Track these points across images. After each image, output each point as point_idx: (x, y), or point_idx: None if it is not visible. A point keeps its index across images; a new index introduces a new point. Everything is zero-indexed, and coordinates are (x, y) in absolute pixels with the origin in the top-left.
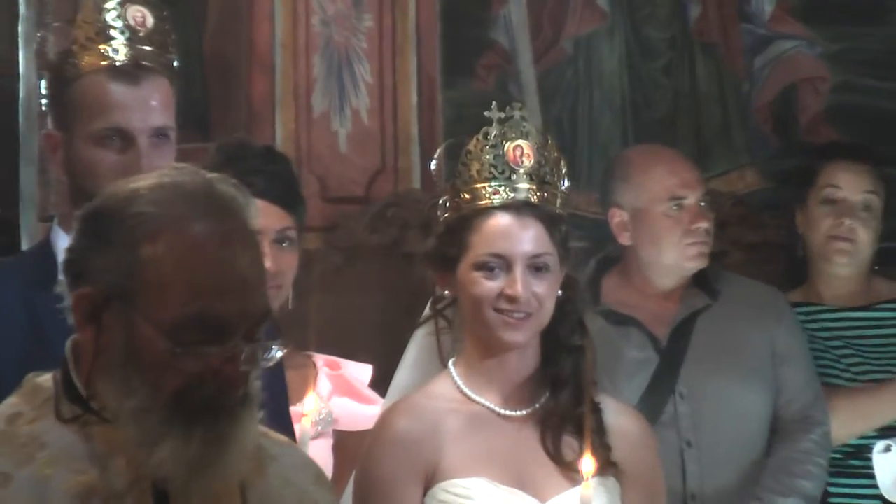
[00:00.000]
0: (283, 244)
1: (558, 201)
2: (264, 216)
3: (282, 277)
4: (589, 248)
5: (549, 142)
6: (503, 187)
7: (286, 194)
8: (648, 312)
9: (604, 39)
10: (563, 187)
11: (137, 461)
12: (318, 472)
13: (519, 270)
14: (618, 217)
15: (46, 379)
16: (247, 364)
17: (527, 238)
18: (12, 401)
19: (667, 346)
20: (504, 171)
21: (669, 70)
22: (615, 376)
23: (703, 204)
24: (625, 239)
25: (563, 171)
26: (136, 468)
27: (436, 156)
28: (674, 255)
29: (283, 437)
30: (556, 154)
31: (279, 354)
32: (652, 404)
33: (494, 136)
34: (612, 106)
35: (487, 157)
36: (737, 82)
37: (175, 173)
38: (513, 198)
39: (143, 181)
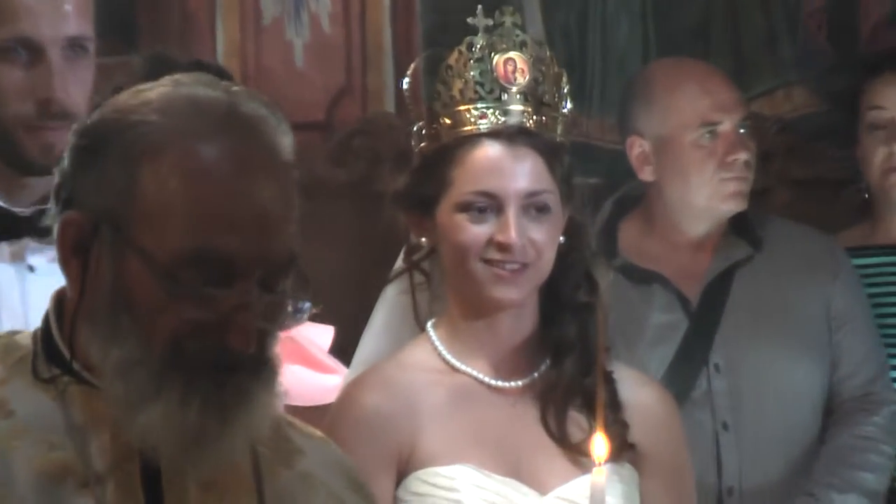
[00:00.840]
0: None
1: (559, 127)
2: None
3: None
4: (603, 185)
5: (549, 54)
6: (492, 110)
7: None
8: (676, 266)
9: None
10: (564, 110)
11: (125, 436)
12: (353, 474)
13: (512, 212)
14: (638, 147)
15: (25, 335)
16: (264, 319)
17: (521, 172)
18: None
19: (698, 308)
20: (493, 90)
21: None
22: (635, 344)
23: (742, 131)
24: (646, 174)
25: (566, 90)
26: (123, 446)
27: (409, 72)
28: (706, 193)
29: (313, 430)
30: (556, 69)
31: (307, 313)
32: (680, 378)
33: (480, 48)
34: (630, 11)
35: (472, 73)
36: None
37: (191, 81)
38: (504, 122)
39: (153, 88)
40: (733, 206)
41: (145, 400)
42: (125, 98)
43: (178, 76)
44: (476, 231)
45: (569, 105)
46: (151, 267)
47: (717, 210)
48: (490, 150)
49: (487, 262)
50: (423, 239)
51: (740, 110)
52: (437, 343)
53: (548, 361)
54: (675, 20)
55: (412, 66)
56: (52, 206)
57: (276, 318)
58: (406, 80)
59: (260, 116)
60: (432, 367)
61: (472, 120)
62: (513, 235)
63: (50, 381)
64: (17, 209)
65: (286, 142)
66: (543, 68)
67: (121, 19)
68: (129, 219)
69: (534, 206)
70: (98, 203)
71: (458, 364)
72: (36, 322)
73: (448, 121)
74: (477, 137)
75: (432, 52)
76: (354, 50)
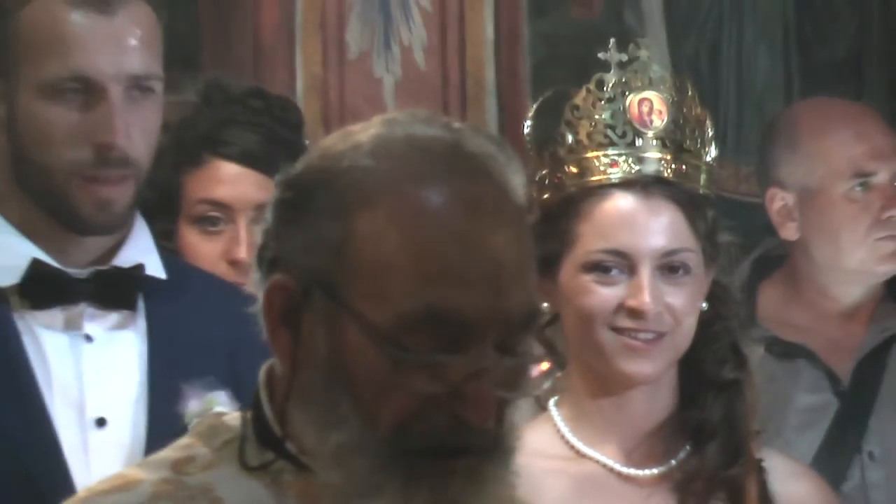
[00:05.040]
0: None
1: (702, 177)
2: (239, 185)
3: None
4: (737, 244)
5: (690, 94)
6: (625, 157)
7: (270, 154)
8: (824, 338)
9: None
10: (708, 158)
11: None
12: None
13: (646, 273)
14: (780, 200)
15: (234, 417)
16: (502, 387)
17: (657, 227)
18: (185, 441)
19: (850, 387)
20: (626, 134)
21: None
22: (779, 428)
23: None
24: (789, 231)
25: (710, 135)
26: None
27: (530, 115)
28: (860, 254)
29: None
30: (698, 110)
31: (552, 377)
32: (830, 469)
33: (612, 87)
34: (771, 43)
35: (602, 115)
36: None
37: (407, 119)
38: (638, 171)
39: (364, 130)
40: (890, 269)
41: (365, 494)
42: (332, 142)
43: (391, 114)
44: (605, 295)
45: (714, 152)
46: (372, 335)
47: (872, 273)
48: (622, 203)
49: (617, 330)
50: (545, 303)
51: None
52: (561, 424)
53: (688, 447)
54: (822, 53)
55: (533, 108)
56: (254, 270)
57: (518, 386)
58: (528, 122)
59: (488, 154)
60: (554, 453)
61: (602, 168)
62: (647, 300)
63: (261, 468)
64: (71, 270)
65: (518, 181)
66: (685, 110)
67: (185, 51)
68: (344, 280)
69: (672, 266)
70: (308, 263)
71: (584, 449)
72: (94, 400)
73: (574, 169)
74: (607, 188)
75: (553, 92)
76: (452, 87)
